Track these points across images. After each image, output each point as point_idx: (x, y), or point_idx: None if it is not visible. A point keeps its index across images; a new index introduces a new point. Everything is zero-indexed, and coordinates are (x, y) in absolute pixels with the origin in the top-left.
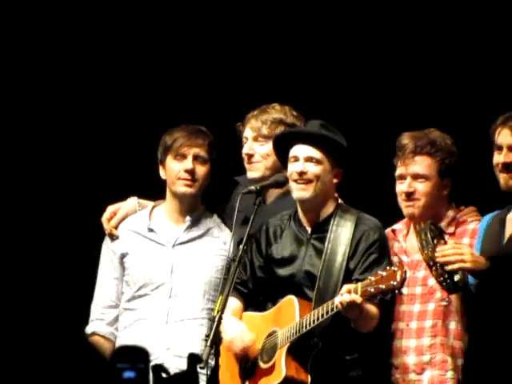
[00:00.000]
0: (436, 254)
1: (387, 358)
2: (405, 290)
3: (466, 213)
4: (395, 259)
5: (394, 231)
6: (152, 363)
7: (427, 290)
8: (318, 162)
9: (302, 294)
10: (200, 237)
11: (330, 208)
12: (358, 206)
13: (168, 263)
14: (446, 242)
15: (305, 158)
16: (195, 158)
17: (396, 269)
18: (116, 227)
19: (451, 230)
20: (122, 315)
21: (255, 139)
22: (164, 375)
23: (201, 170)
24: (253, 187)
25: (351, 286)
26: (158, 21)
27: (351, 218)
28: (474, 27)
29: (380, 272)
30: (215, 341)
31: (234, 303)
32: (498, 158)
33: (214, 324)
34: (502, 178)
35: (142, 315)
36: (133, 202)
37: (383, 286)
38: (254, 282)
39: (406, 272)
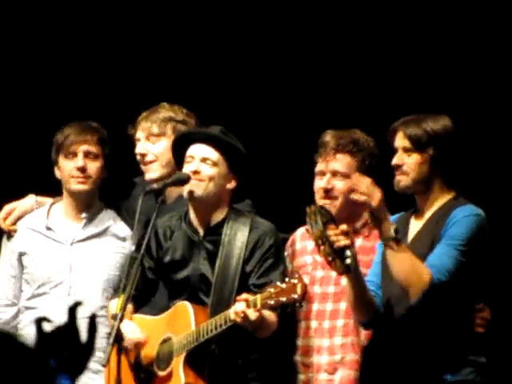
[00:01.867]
0: (328, 233)
1: (295, 356)
2: (318, 289)
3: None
4: (309, 259)
5: (307, 231)
6: None
7: (340, 289)
8: (214, 163)
9: (196, 299)
10: (98, 234)
11: (223, 212)
12: (275, 206)
13: (66, 261)
14: (336, 227)
15: (201, 159)
16: (86, 154)
17: (296, 281)
18: (13, 225)
19: (366, 232)
20: (23, 314)
21: (147, 139)
22: (47, 327)
23: (93, 166)
24: (155, 185)
25: (250, 298)
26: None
27: (245, 222)
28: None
29: (280, 284)
30: (117, 339)
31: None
32: (393, 161)
33: (115, 322)
34: (396, 180)
35: (42, 313)
36: (30, 200)
37: (283, 299)
38: (145, 283)
39: (305, 285)
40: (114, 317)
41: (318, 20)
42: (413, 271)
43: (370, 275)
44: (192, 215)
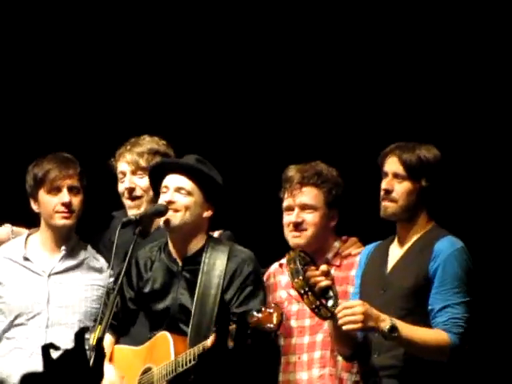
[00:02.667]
0: (308, 275)
1: None
2: (294, 323)
3: (348, 246)
4: (283, 294)
5: (281, 265)
6: None
7: (315, 321)
8: (189, 193)
9: (176, 328)
10: (76, 267)
11: (201, 241)
12: (243, 241)
13: (44, 293)
14: (317, 268)
15: (175, 188)
16: (70, 189)
17: (272, 311)
18: None
19: (337, 262)
20: (1, 343)
21: (133, 173)
22: (54, 353)
23: (76, 201)
24: (132, 217)
25: None
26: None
27: (224, 250)
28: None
29: (256, 314)
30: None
31: (106, 339)
32: (382, 185)
33: (92, 353)
34: (384, 205)
35: (19, 344)
36: (6, 229)
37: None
38: (126, 313)
39: (282, 314)
40: (91, 348)
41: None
42: (430, 348)
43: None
44: (170, 245)
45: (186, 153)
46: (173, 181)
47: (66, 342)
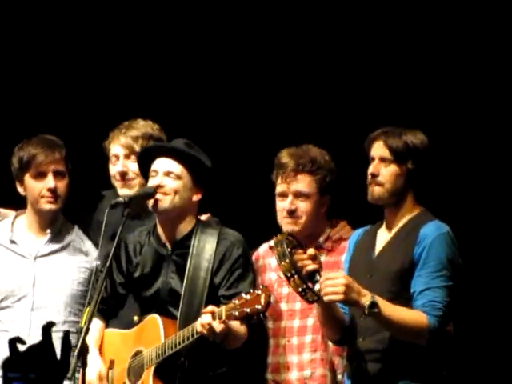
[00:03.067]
0: (296, 257)
1: (264, 373)
2: (284, 306)
3: (338, 230)
4: (273, 276)
5: (270, 247)
6: None
7: (306, 305)
8: (178, 176)
9: (166, 312)
10: (61, 249)
11: (190, 224)
12: (232, 223)
13: (30, 275)
14: (304, 252)
15: (164, 173)
16: (55, 174)
17: (260, 292)
18: None
19: (329, 246)
20: None
21: (127, 157)
22: (21, 347)
23: (62, 185)
24: (121, 199)
25: (215, 309)
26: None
27: (213, 233)
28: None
29: (244, 296)
30: (82, 352)
31: (96, 325)
32: (369, 169)
33: (80, 335)
34: (370, 188)
35: (4, 327)
36: None
37: (248, 310)
38: (116, 298)
39: (270, 296)
40: (80, 330)
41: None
42: (409, 328)
43: None
44: (159, 229)
45: (176, 136)
46: (162, 165)
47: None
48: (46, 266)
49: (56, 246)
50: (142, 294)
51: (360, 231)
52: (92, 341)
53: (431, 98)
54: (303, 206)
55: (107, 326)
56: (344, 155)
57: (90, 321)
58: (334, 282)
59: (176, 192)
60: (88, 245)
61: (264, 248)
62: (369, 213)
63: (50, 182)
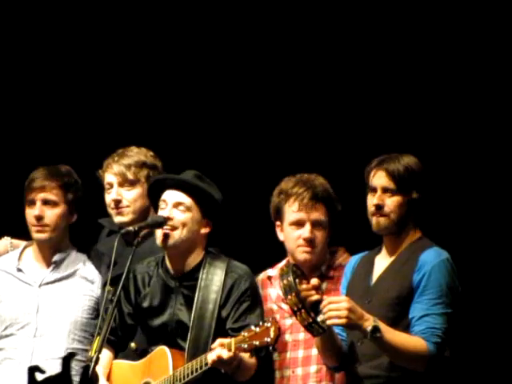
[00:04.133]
0: (301, 287)
1: None
2: (288, 337)
3: (337, 257)
4: (274, 307)
5: (269, 278)
6: None
7: (310, 335)
8: (187, 208)
9: (174, 344)
10: (67, 277)
11: (198, 257)
12: (234, 251)
13: (34, 303)
14: (308, 282)
15: (173, 204)
16: (44, 202)
17: (269, 325)
18: None
19: (330, 274)
20: None
21: (121, 185)
22: (39, 376)
23: (51, 214)
24: (131, 228)
25: (225, 341)
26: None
27: (221, 266)
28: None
29: (253, 328)
30: (92, 381)
31: (103, 355)
32: (372, 200)
33: (91, 364)
34: (375, 219)
35: (8, 355)
36: (5, 242)
37: (257, 343)
38: (124, 329)
39: (279, 329)
40: (90, 359)
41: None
42: (408, 353)
43: None
44: (168, 261)
45: (177, 165)
46: (171, 196)
47: (54, 352)
48: (50, 293)
49: (61, 274)
50: (149, 325)
51: (357, 257)
52: (100, 368)
53: (421, 122)
54: (320, 236)
55: (116, 357)
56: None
57: (100, 350)
58: (337, 306)
59: (184, 225)
60: (93, 273)
61: (262, 278)
62: (364, 239)
63: (35, 210)
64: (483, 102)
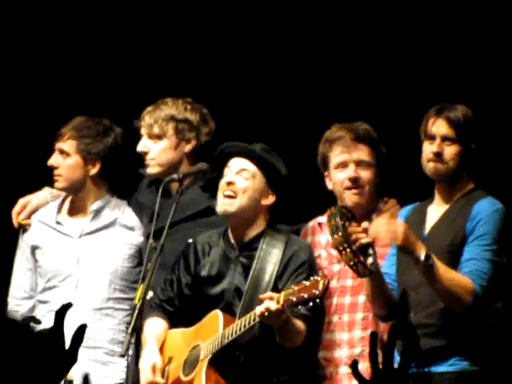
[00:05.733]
0: (350, 230)
1: (318, 352)
2: (335, 283)
3: (389, 207)
4: (323, 253)
5: (320, 224)
6: None
7: (358, 282)
8: (250, 176)
9: (230, 312)
10: (106, 226)
11: (259, 227)
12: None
13: (74, 254)
14: (358, 225)
15: (237, 171)
16: (60, 152)
17: (319, 278)
18: (28, 219)
19: None
20: (38, 307)
21: (150, 137)
22: (34, 327)
23: (63, 164)
24: (175, 175)
25: (274, 294)
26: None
27: (281, 239)
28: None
29: (304, 282)
30: (136, 329)
31: (159, 325)
32: (431, 148)
33: (134, 312)
34: (432, 164)
35: (52, 307)
36: (45, 193)
37: (305, 295)
38: (181, 299)
39: (328, 282)
40: (133, 307)
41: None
42: (455, 288)
43: (386, 267)
44: (229, 231)
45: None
46: (236, 163)
47: (96, 303)
48: (90, 243)
49: (101, 224)
50: (207, 293)
51: (408, 208)
52: (152, 338)
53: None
54: (365, 176)
55: (171, 327)
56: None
57: (143, 298)
58: (394, 226)
59: (245, 191)
60: (133, 220)
61: (313, 224)
62: (413, 191)
63: (51, 159)
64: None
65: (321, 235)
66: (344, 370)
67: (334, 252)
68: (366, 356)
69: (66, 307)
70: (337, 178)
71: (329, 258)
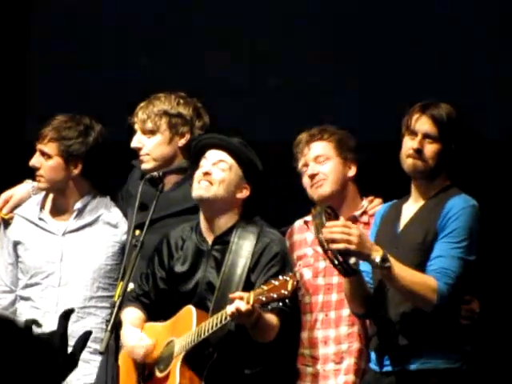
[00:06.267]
0: (323, 230)
1: (301, 349)
2: (321, 281)
3: (374, 205)
4: (309, 251)
5: (306, 222)
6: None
7: (343, 279)
8: (227, 168)
9: (203, 307)
10: (90, 223)
11: (231, 220)
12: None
13: (58, 252)
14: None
15: (214, 162)
16: (41, 153)
17: (288, 278)
18: (10, 213)
19: (365, 219)
20: (19, 303)
21: (143, 132)
22: (35, 330)
23: (45, 166)
24: (155, 173)
25: (244, 294)
26: None
27: (254, 231)
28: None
29: (273, 281)
30: (115, 326)
31: (136, 314)
32: (412, 144)
33: (114, 309)
34: (411, 161)
35: (34, 304)
36: (27, 186)
37: (274, 295)
38: (157, 293)
39: (297, 282)
40: (113, 304)
41: None
42: (417, 287)
43: (363, 265)
44: (202, 223)
45: None
46: (214, 154)
47: (79, 302)
48: (74, 241)
49: (85, 221)
50: (181, 287)
51: (386, 205)
52: (130, 325)
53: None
54: (324, 169)
55: (148, 319)
56: None
57: (123, 295)
58: (350, 230)
59: (221, 182)
60: (118, 217)
61: (299, 223)
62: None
63: (33, 159)
64: None
65: (307, 233)
66: (331, 366)
67: (320, 250)
68: (353, 352)
69: (69, 312)
70: (304, 180)
71: (315, 256)
